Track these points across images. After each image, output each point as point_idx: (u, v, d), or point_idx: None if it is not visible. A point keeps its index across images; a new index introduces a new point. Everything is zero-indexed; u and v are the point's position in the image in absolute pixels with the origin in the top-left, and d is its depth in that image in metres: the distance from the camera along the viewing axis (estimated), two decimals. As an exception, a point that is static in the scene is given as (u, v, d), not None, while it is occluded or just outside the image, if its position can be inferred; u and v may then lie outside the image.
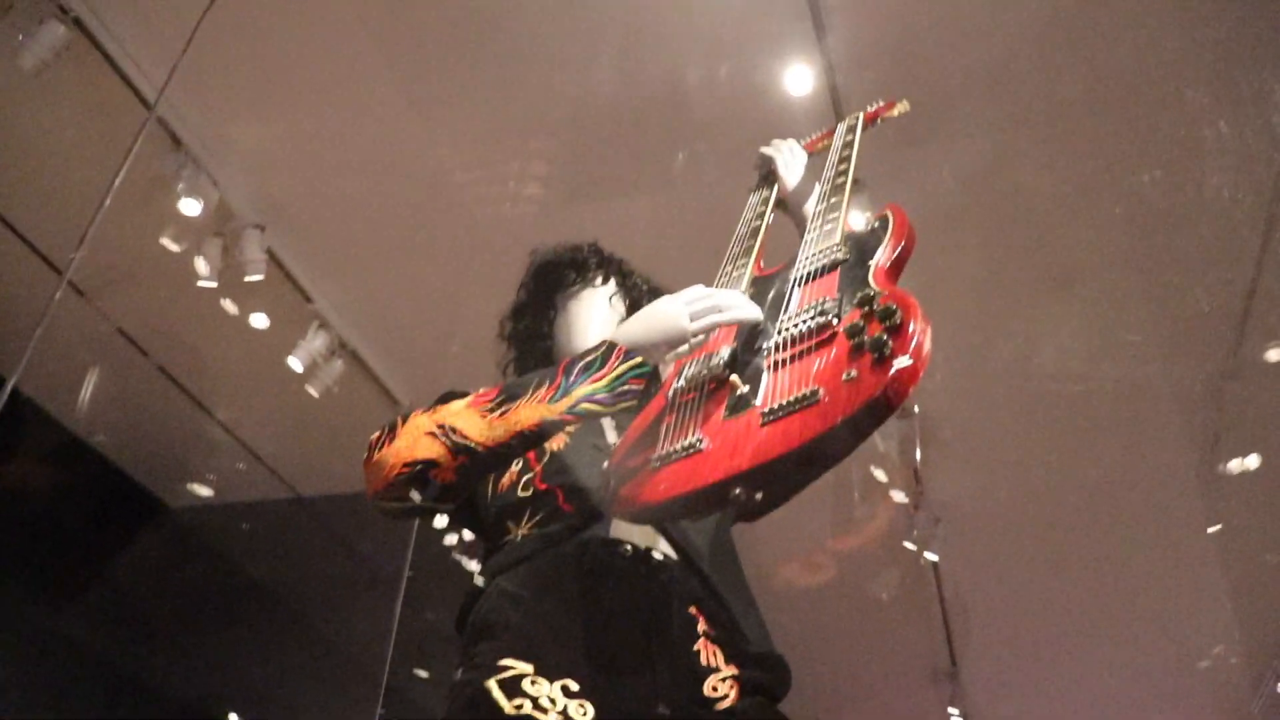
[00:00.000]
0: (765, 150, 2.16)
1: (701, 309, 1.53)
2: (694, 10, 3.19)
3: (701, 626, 1.42)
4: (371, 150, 3.70)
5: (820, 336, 1.38)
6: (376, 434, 1.47)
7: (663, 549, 1.51)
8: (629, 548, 1.47)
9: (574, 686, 1.26)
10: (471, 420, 1.45)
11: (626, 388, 1.46)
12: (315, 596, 5.49)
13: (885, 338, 1.26)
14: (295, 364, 4.16)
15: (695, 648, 1.39)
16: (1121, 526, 4.61)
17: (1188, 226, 3.66)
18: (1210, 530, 4.22)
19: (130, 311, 4.29)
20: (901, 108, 2.23)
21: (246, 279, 3.77)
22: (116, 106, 3.41)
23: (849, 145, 2.03)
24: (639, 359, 1.48)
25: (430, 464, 1.42)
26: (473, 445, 1.42)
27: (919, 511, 4.97)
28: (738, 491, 1.26)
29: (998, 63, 2.99)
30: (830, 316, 1.39)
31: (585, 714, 1.23)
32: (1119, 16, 2.95)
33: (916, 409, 4.43)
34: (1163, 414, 4.24)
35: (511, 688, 1.24)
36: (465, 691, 1.27)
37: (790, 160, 2.13)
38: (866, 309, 1.34)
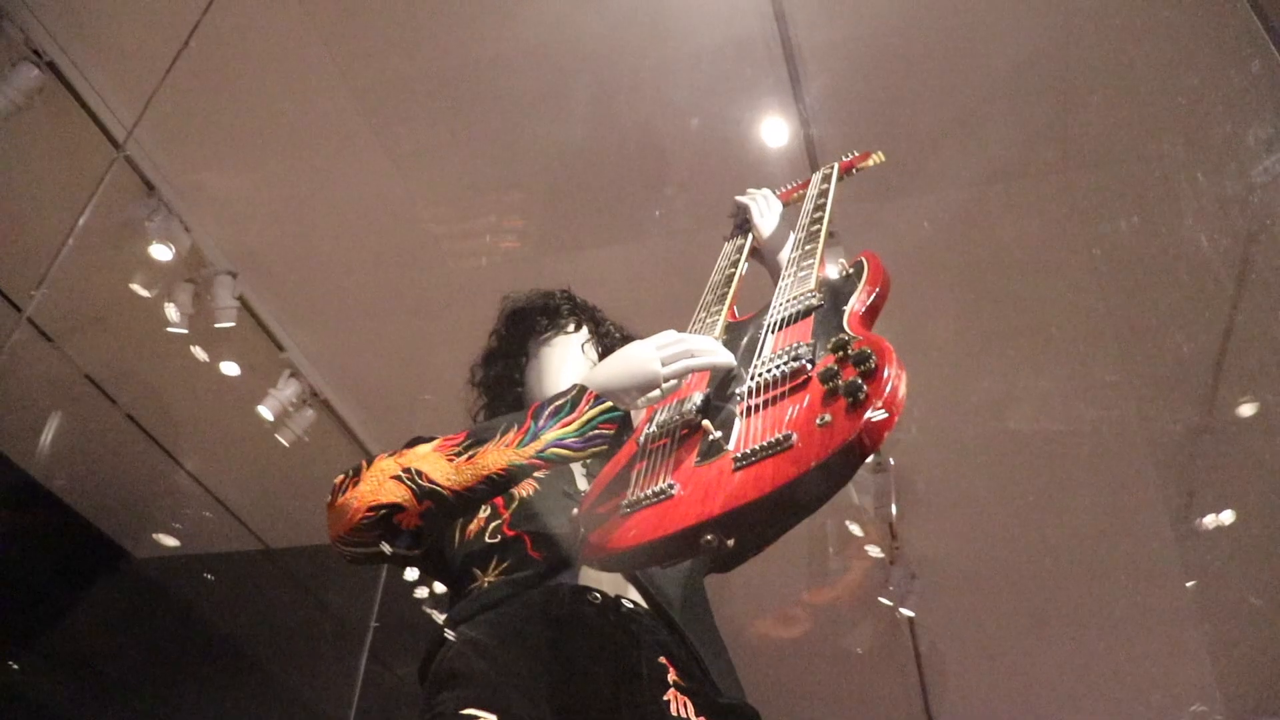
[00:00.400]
0: (740, 199, 2.16)
1: (673, 354, 1.51)
2: (670, 63, 3.21)
3: (671, 676, 1.38)
4: (346, 199, 3.69)
5: (794, 382, 1.37)
6: (340, 477, 1.44)
7: (632, 597, 1.48)
8: (598, 595, 1.44)
9: None
10: (438, 464, 1.42)
11: (597, 432, 1.44)
12: (281, 650, 5.37)
13: (860, 382, 1.25)
14: (266, 412, 4.10)
15: (665, 697, 1.35)
16: (1098, 580, 4.59)
17: (1162, 277, 3.68)
18: (1188, 585, 4.20)
19: (98, 357, 4.23)
20: (877, 158, 2.24)
21: (217, 325, 3.72)
22: (89, 150, 3.39)
23: (824, 194, 2.04)
24: (610, 404, 1.46)
25: (395, 508, 1.39)
26: (439, 490, 1.39)
27: (895, 566, 4.93)
28: (709, 538, 1.24)
29: (972, 114, 3.02)
30: (804, 361, 1.38)
31: None
32: (1093, 68, 2.99)
33: (892, 461, 4.41)
34: (1139, 466, 4.24)
35: None
36: None
37: (765, 209, 2.13)
38: (841, 354, 1.33)
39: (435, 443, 1.47)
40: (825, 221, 1.90)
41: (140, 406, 4.42)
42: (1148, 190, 3.42)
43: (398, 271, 3.87)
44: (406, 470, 1.41)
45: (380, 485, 1.40)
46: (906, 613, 4.97)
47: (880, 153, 2.26)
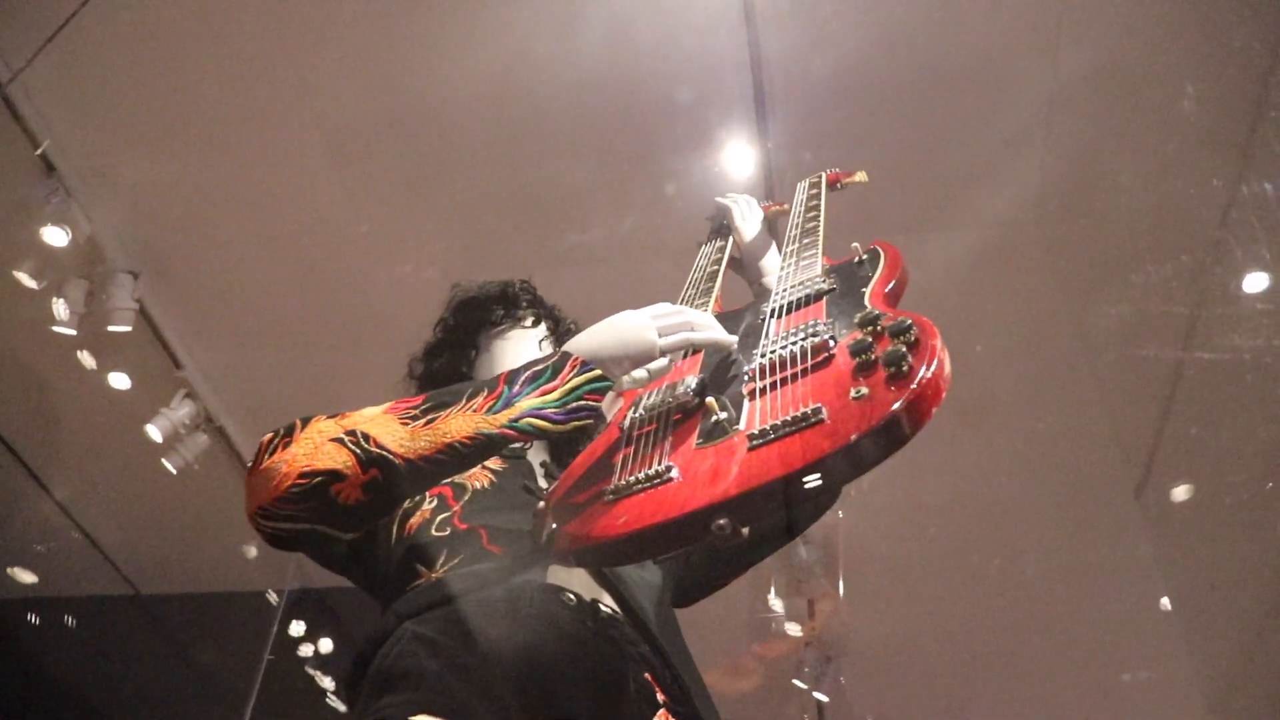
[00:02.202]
0: (721, 200, 2.00)
1: (672, 324, 1.32)
2: (638, 106, 3.08)
3: (660, 697, 1.15)
4: (269, 203, 3.42)
5: (815, 358, 1.19)
6: (269, 436, 1.18)
7: (608, 603, 1.25)
8: (572, 597, 1.20)
9: None
10: (390, 428, 1.18)
11: (582, 404, 1.22)
12: (147, 710, 4.89)
13: (904, 350, 1.07)
14: (154, 433, 3.73)
15: (655, 718, 1.12)
16: (1034, 671, 4.44)
17: (1102, 362, 3.65)
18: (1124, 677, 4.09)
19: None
20: (861, 177, 2.12)
21: (110, 328, 3.38)
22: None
23: (815, 196, 1.89)
24: (598, 371, 1.24)
25: (333, 476, 1.13)
26: (389, 457, 1.15)
27: (810, 647, 4.74)
28: (721, 523, 1.04)
29: (959, 163, 2.95)
30: (825, 337, 1.20)
31: None
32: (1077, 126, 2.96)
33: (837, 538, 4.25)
34: (1073, 556, 4.15)
35: None
36: None
37: (748, 212, 1.97)
38: (872, 327, 1.16)
39: (386, 405, 1.23)
40: (821, 217, 1.75)
41: (8, 415, 4.00)
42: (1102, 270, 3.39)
43: (319, 290, 3.59)
44: (350, 433, 1.16)
45: (317, 448, 1.15)
46: (820, 697, 4.77)
47: (864, 173, 2.14)
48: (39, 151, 3.04)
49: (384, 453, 1.15)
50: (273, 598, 4.54)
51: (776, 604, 4.43)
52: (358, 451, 1.15)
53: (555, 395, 1.22)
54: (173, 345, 3.77)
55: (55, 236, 3.18)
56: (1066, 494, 3.97)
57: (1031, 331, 3.63)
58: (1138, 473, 3.76)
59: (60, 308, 3.32)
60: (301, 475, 1.13)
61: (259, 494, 1.15)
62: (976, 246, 3.24)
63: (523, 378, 1.23)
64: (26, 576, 4.53)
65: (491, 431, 1.18)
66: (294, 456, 1.14)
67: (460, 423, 1.18)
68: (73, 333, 3.39)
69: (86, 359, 3.59)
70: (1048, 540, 4.08)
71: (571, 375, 1.23)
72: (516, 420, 1.19)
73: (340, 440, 1.16)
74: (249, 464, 1.19)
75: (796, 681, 4.72)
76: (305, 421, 1.20)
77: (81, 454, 4.22)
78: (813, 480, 1.02)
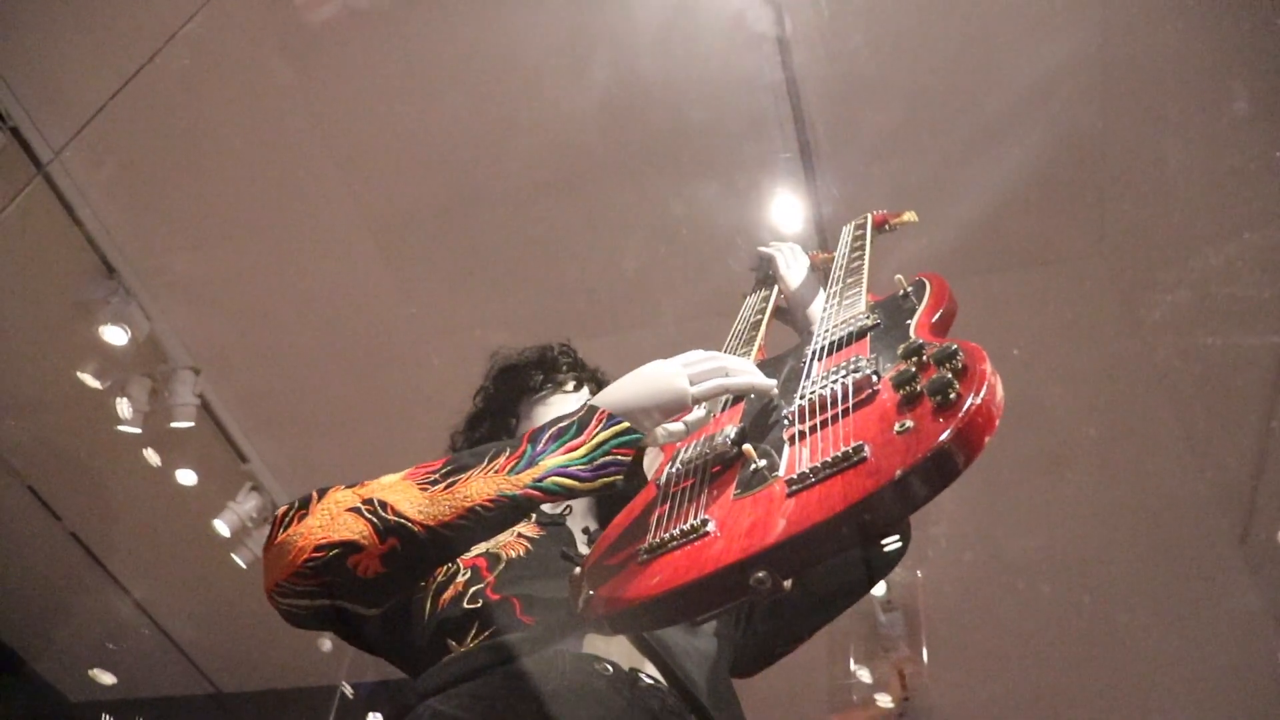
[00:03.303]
0: (764, 250, 1.93)
1: (704, 370, 1.24)
2: (680, 151, 3.05)
3: None
4: (321, 293, 3.44)
5: (858, 396, 1.11)
6: (284, 509, 1.13)
7: (650, 673, 1.16)
8: (608, 666, 1.12)
9: None
10: (408, 494, 1.12)
11: (611, 459, 1.15)
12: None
13: (950, 377, 0.99)
14: (223, 528, 3.74)
15: None
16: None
17: (1187, 399, 3.47)
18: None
19: (36, 457, 3.88)
20: (910, 217, 2.05)
21: (174, 425, 3.40)
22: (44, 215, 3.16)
23: (860, 238, 1.82)
24: (626, 424, 1.17)
25: (350, 547, 1.07)
26: (407, 525, 1.09)
27: (904, 719, 4.53)
28: (760, 576, 0.96)
29: (998, 197, 2.85)
30: (868, 373, 1.12)
31: None
32: (1120, 163, 2.84)
33: (921, 600, 4.07)
34: (1175, 609, 3.91)
35: None
36: None
37: (792, 260, 1.90)
38: (916, 357, 1.08)
39: (406, 471, 1.17)
40: (866, 258, 1.67)
41: (81, 517, 4.05)
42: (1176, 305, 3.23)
43: (373, 375, 3.59)
44: (367, 502, 1.11)
45: (333, 519, 1.10)
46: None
47: (913, 212, 2.07)
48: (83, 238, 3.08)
49: (402, 520, 1.09)
50: (349, 690, 4.48)
51: (862, 673, 4.24)
52: (375, 521, 1.09)
53: (582, 452, 1.15)
54: (236, 439, 3.80)
55: (116, 336, 3.24)
56: (1163, 543, 3.75)
57: (1109, 372, 3.47)
58: (1240, 516, 3.54)
59: (124, 406, 3.36)
60: (318, 548, 1.08)
61: (274, 570, 1.10)
62: (1039, 285, 3.12)
63: (547, 435, 1.17)
64: (106, 678, 4.55)
65: (515, 493, 1.11)
66: (309, 529, 1.09)
67: (482, 485, 1.11)
68: (138, 431, 3.43)
69: (152, 456, 3.63)
70: (1145, 593, 3.85)
71: (598, 430, 1.17)
72: (541, 480, 1.12)
73: (357, 510, 1.10)
74: (268, 533, 1.14)
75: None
76: (322, 492, 1.15)
77: (153, 552, 4.25)
78: (857, 522, 0.94)
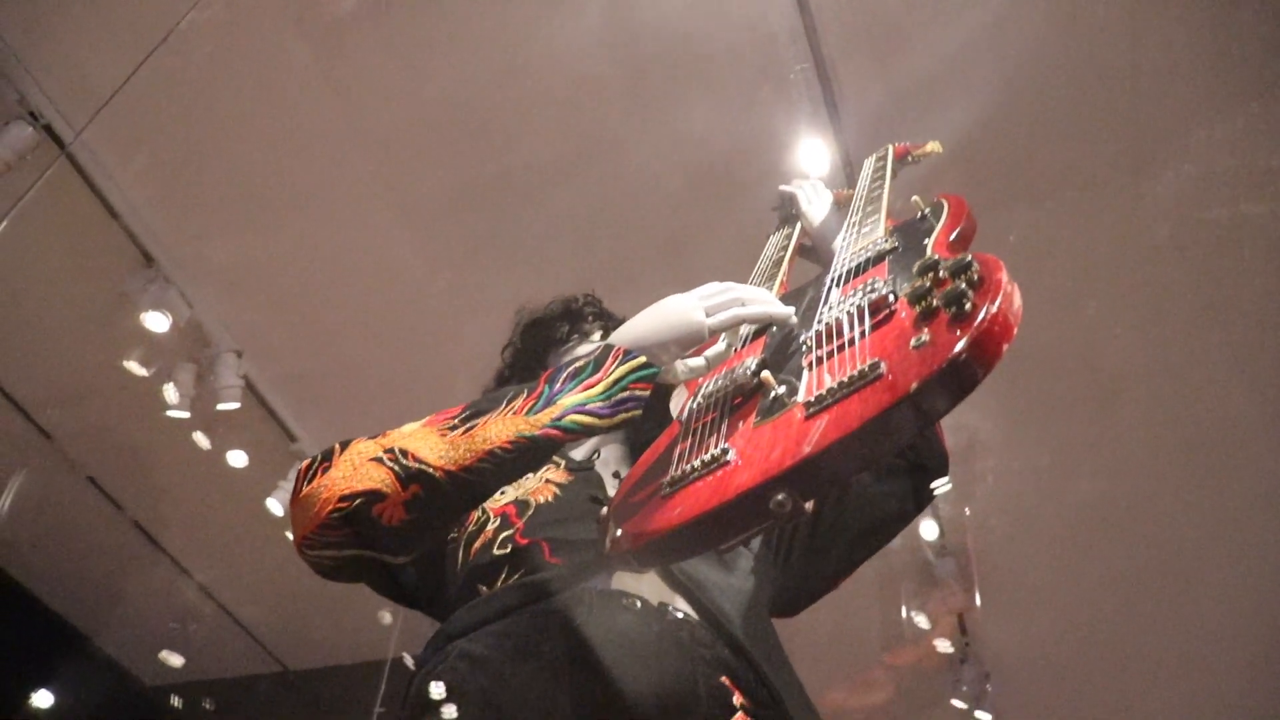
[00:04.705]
0: (785, 188, 1.91)
1: (720, 303, 1.23)
2: (695, 109, 3.02)
3: (738, 700, 1.05)
4: (355, 271, 3.46)
5: (876, 317, 1.10)
6: (307, 462, 1.14)
7: (680, 606, 1.16)
8: (637, 601, 1.12)
9: None
10: (428, 441, 1.12)
11: (628, 394, 1.15)
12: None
13: (964, 288, 0.98)
14: (275, 507, 3.80)
15: None
16: (1204, 675, 4.09)
17: (1239, 326, 3.38)
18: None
19: (92, 447, 3.97)
20: (934, 147, 2.01)
21: (220, 407, 3.46)
22: (78, 207, 3.21)
23: (881, 170, 1.79)
24: (643, 359, 1.16)
25: (373, 496, 1.08)
26: (428, 470, 1.09)
27: (967, 664, 4.49)
28: (780, 498, 0.95)
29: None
30: (885, 293, 1.11)
31: None
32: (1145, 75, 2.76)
33: (970, 545, 4.02)
34: (1236, 545, 3.82)
35: None
36: None
37: (814, 196, 1.87)
38: (932, 274, 1.06)
39: (426, 419, 1.18)
40: (886, 187, 1.65)
41: (141, 504, 4.14)
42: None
43: (413, 351, 3.61)
44: (388, 450, 1.12)
45: (356, 469, 1.10)
46: (984, 717, 4.49)
47: (937, 142, 2.03)
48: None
49: (423, 467, 1.09)
50: (410, 662, 4.54)
51: (919, 619, 4.21)
52: (396, 469, 1.09)
53: (599, 389, 1.14)
54: (283, 418, 3.85)
55: (158, 323, 3.29)
56: (1218, 475, 3.67)
57: (1157, 302, 3.39)
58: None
59: (171, 392, 3.42)
60: (342, 499, 1.08)
61: (301, 523, 1.11)
62: (1079, 213, 3.05)
63: (564, 374, 1.16)
64: (175, 660, 4.66)
65: (533, 433, 1.11)
66: (333, 481, 1.10)
67: (500, 428, 1.11)
68: (186, 415, 3.48)
69: (202, 440, 3.69)
70: (1202, 527, 3.77)
71: (615, 366, 1.16)
72: (559, 419, 1.12)
73: (379, 459, 1.11)
74: (293, 488, 1.15)
75: (956, 701, 4.47)
76: (344, 444, 1.16)
77: (211, 534, 4.34)
78: (875, 438, 0.93)
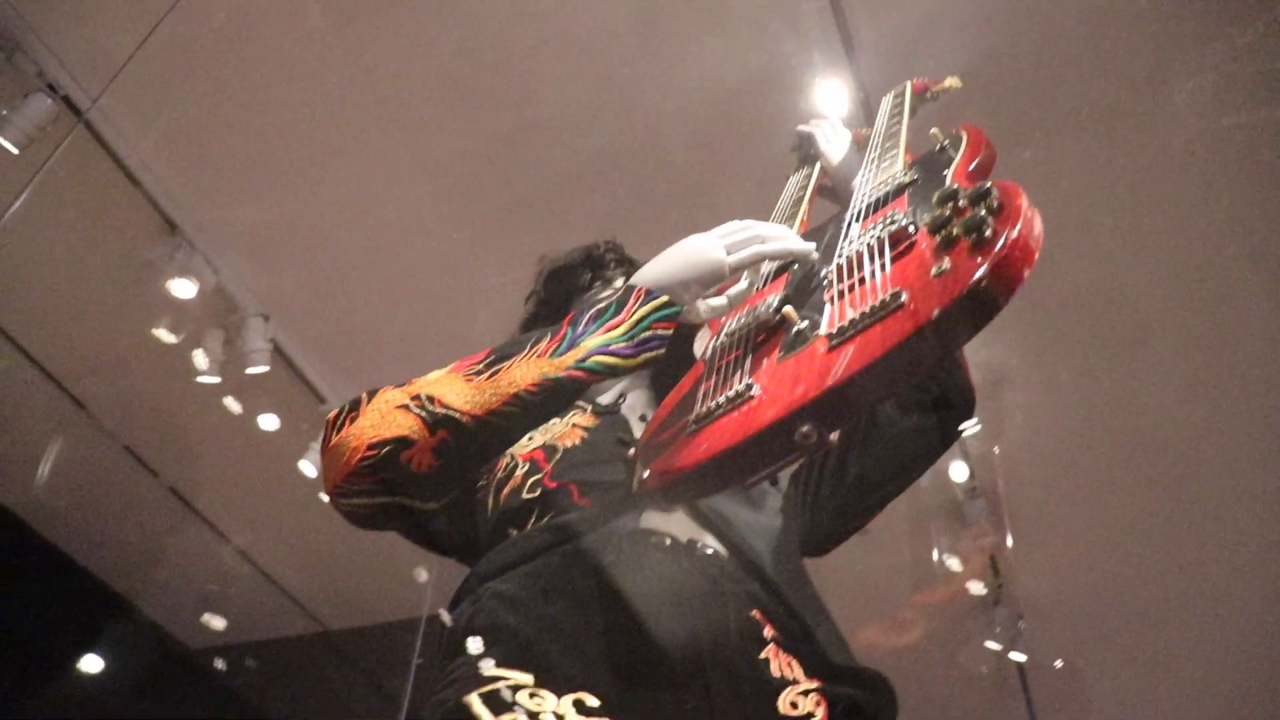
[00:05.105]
0: (803, 128, 1.89)
1: (740, 240, 1.23)
2: (714, 45, 2.99)
3: (769, 632, 1.06)
4: (378, 232, 3.47)
5: (896, 248, 1.10)
6: (335, 412, 1.16)
7: (711, 543, 1.17)
8: (667, 539, 1.13)
9: (591, 702, 0.92)
10: (454, 386, 1.14)
11: (651, 334, 1.15)
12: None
13: (984, 214, 0.98)
14: (309, 468, 3.85)
15: (762, 655, 1.03)
16: (1235, 612, 4.08)
17: (1271, 256, 3.33)
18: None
19: (123, 413, 4.03)
20: (953, 83, 1.98)
21: (249, 371, 3.50)
22: (99, 179, 3.24)
23: (899, 106, 1.77)
24: (665, 298, 1.17)
25: (401, 443, 1.10)
26: (455, 416, 1.10)
27: (999, 606, 4.49)
28: (805, 430, 0.96)
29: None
30: (905, 224, 1.11)
31: None
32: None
33: (1000, 485, 4.00)
34: (1264, 478, 3.79)
35: (499, 701, 0.90)
36: (437, 715, 0.94)
37: (832, 135, 1.85)
38: (952, 203, 1.06)
39: (451, 365, 1.19)
40: (905, 122, 1.63)
41: (176, 470, 4.21)
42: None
43: (441, 303, 3.61)
44: (415, 397, 1.13)
45: (383, 417, 1.12)
46: (1017, 658, 4.50)
47: (957, 78, 2.00)
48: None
49: (450, 412, 1.11)
50: (446, 618, 4.59)
51: (951, 561, 4.22)
52: (423, 415, 1.11)
53: (622, 329, 1.15)
54: (312, 380, 3.89)
55: (184, 290, 3.32)
56: (1252, 413, 3.63)
57: (1186, 236, 3.34)
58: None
59: (200, 358, 3.46)
60: (370, 447, 1.10)
61: (332, 472, 1.13)
62: (1103, 147, 3.00)
63: (587, 316, 1.17)
64: (217, 623, 4.75)
65: (558, 375, 1.12)
66: (361, 429, 1.12)
67: (525, 371, 1.13)
68: (216, 380, 3.53)
69: (233, 405, 3.73)
70: (1235, 466, 3.74)
71: (637, 306, 1.17)
72: (583, 360, 1.13)
73: (406, 406, 1.13)
74: (321, 438, 1.17)
75: (990, 643, 4.48)
76: (371, 393, 1.17)
77: (246, 498, 4.40)
78: (897, 367, 0.93)
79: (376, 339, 3.75)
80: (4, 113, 2.82)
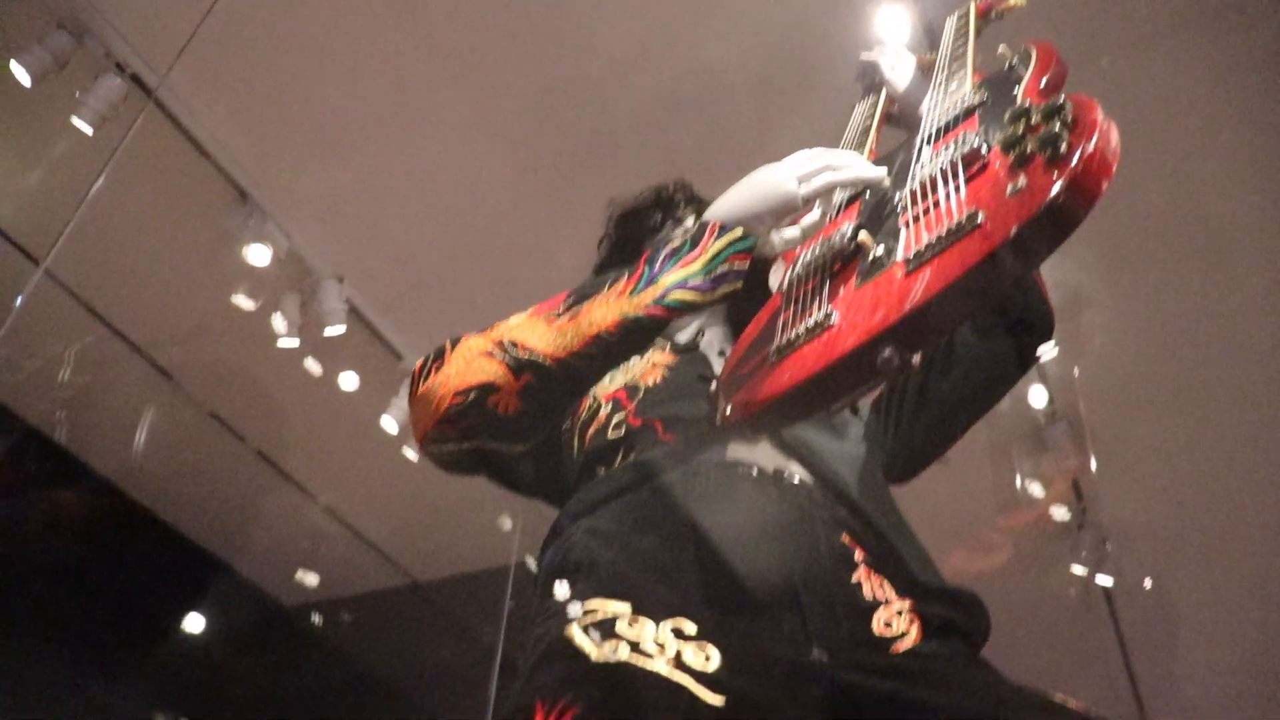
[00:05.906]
0: (867, 56, 1.86)
1: (811, 170, 1.23)
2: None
3: (859, 555, 1.08)
4: (450, 194, 3.50)
5: (970, 170, 1.09)
6: (421, 362, 1.19)
7: (797, 471, 1.18)
8: (754, 470, 1.15)
9: (690, 628, 0.94)
10: (536, 330, 1.16)
11: (727, 267, 1.16)
12: (447, 692, 5.15)
13: (1058, 129, 0.97)
14: (390, 424, 3.94)
15: (854, 579, 1.05)
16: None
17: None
18: None
19: (208, 381, 4.15)
20: (1017, 1, 1.94)
21: (327, 332, 3.58)
22: (172, 155, 3.31)
23: (963, 28, 1.74)
24: (740, 231, 1.18)
25: (488, 388, 1.13)
26: (538, 359, 1.13)
27: (1084, 530, 4.45)
28: (887, 354, 0.97)
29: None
30: (977, 144, 1.10)
31: (708, 660, 0.91)
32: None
33: (1082, 408, 3.94)
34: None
35: (600, 630, 0.93)
36: (539, 648, 0.96)
37: (896, 61, 1.82)
38: (1024, 119, 1.05)
39: (532, 309, 1.21)
40: (970, 43, 1.60)
41: (264, 433, 4.33)
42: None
43: (512, 255, 3.64)
44: (499, 343, 1.16)
45: (469, 364, 1.15)
46: (1104, 581, 4.46)
47: (1023, -5, 1.95)
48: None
49: (533, 355, 1.13)
50: (533, 565, 4.68)
51: (1033, 486, 4.19)
52: (507, 360, 1.14)
53: (699, 264, 1.16)
54: (389, 338, 3.96)
55: (259, 256, 3.40)
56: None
57: (1273, 147, 3.23)
58: None
59: (279, 322, 3.55)
60: (457, 394, 1.13)
61: (422, 421, 1.16)
62: (1180, 57, 2.90)
63: (663, 254, 1.19)
64: (311, 579, 4.91)
65: (638, 314, 1.14)
66: (447, 377, 1.15)
67: (605, 311, 1.14)
68: (296, 343, 3.62)
69: (313, 366, 3.82)
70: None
71: (712, 241, 1.18)
72: (662, 297, 1.14)
73: (490, 353, 1.15)
74: (409, 388, 1.20)
75: (1076, 568, 4.45)
76: (455, 341, 1.20)
77: (331, 456, 4.51)
78: (977, 287, 0.94)
79: (449, 293, 3.80)
80: (77, 95, 2.90)
